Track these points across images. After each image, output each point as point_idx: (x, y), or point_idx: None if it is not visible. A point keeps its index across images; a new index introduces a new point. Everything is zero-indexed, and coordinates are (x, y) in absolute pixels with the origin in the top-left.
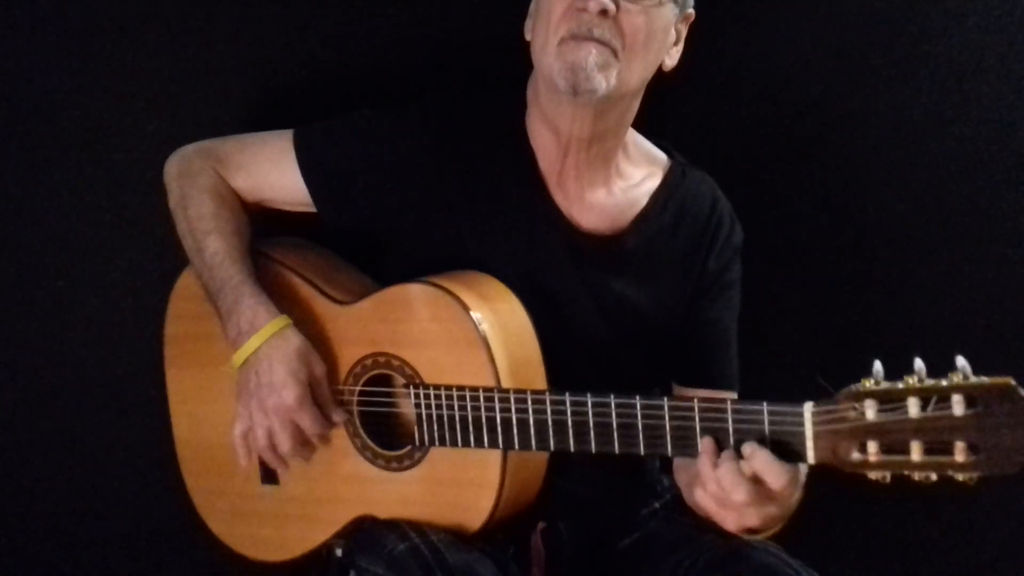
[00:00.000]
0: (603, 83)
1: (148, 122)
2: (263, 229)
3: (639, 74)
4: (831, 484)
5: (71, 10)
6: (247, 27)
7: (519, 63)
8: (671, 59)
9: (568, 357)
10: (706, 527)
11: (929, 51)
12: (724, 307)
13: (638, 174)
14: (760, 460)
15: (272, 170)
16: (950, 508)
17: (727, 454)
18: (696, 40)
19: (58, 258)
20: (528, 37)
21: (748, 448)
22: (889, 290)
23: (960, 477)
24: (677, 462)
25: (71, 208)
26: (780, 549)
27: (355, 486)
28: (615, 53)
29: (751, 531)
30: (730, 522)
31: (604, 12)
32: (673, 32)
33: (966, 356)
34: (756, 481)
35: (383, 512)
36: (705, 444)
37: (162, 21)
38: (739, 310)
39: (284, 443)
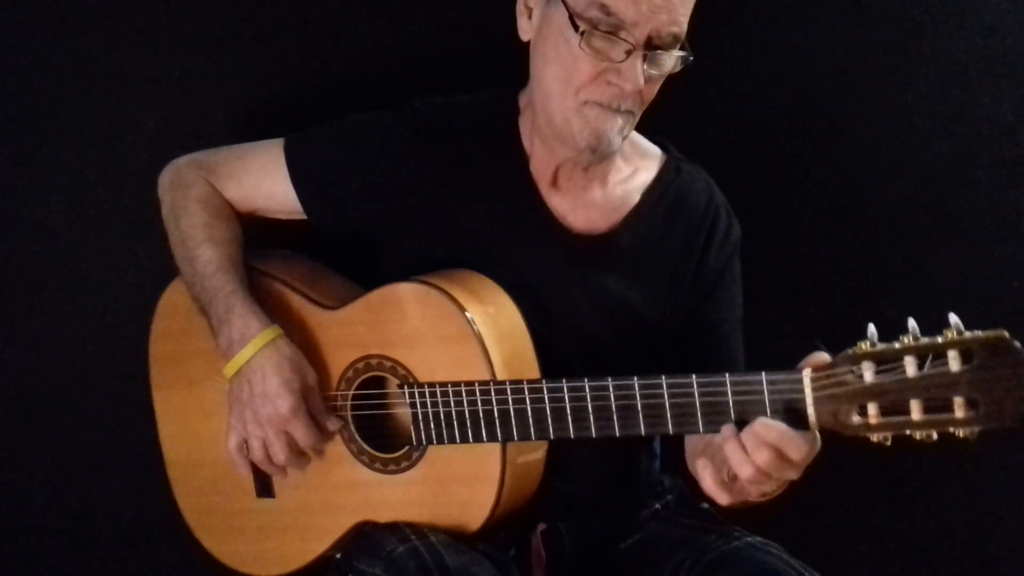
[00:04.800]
0: (619, 142)
1: (143, 129)
2: (249, 240)
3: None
4: (831, 483)
5: (71, 10)
6: (244, 30)
7: (511, 64)
8: None
9: (564, 356)
10: (708, 527)
11: (929, 51)
12: (728, 307)
13: (629, 167)
14: (777, 433)
15: (264, 179)
16: (950, 507)
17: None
18: (694, 38)
19: (46, 272)
20: (525, 38)
21: (761, 426)
22: (884, 279)
23: (961, 433)
24: (690, 449)
25: (64, 215)
26: (781, 549)
27: (353, 492)
28: (633, 114)
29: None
30: (753, 492)
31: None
32: None
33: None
34: (777, 452)
35: (383, 516)
36: (727, 430)
37: (159, 24)
38: (742, 308)
39: (280, 453)
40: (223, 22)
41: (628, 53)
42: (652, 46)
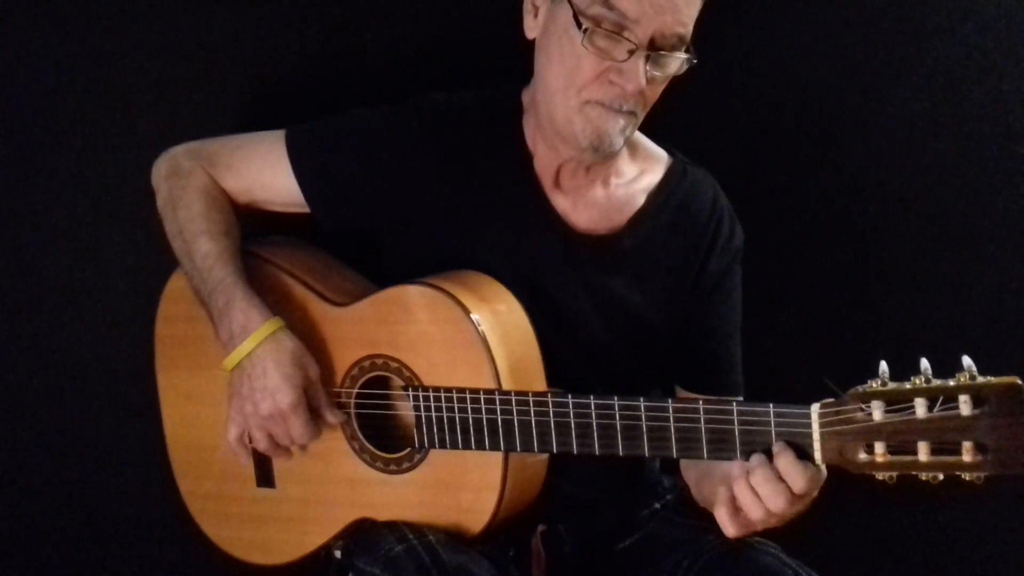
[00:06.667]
0: (621, 142)
1: (142, 123)
2: (253, 229)
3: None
4: (830, 483)
5: (71, 10)
6: (244, 26)
7: (517, 63)
8: None
9: (567, 357)
10: (707, 527)
11: (929, 51)
12: (727, 313)
13: (633, 169)
14: (784, 461)
15: (264, 170)
16: (950, 508)
17: (758, 459)
18: (696, 40)
19: (50, 259)
20: (530, 36)
21: (777, 446)
22: (891, 291)
23: (967, 477)
24: (684, 462)
25: (64, 208)
26: (779, 549)
27: (353, 489)
28: (635, 115)
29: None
30: (759, 525)
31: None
32: None
33: (970, 356)
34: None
35: (382, 515)
36: (739, 468)
37: (159, 21)
38: (741, 315)
39: (284, 439)
40: (223, 18)
41: (631, 53)
42: (656, 46)
